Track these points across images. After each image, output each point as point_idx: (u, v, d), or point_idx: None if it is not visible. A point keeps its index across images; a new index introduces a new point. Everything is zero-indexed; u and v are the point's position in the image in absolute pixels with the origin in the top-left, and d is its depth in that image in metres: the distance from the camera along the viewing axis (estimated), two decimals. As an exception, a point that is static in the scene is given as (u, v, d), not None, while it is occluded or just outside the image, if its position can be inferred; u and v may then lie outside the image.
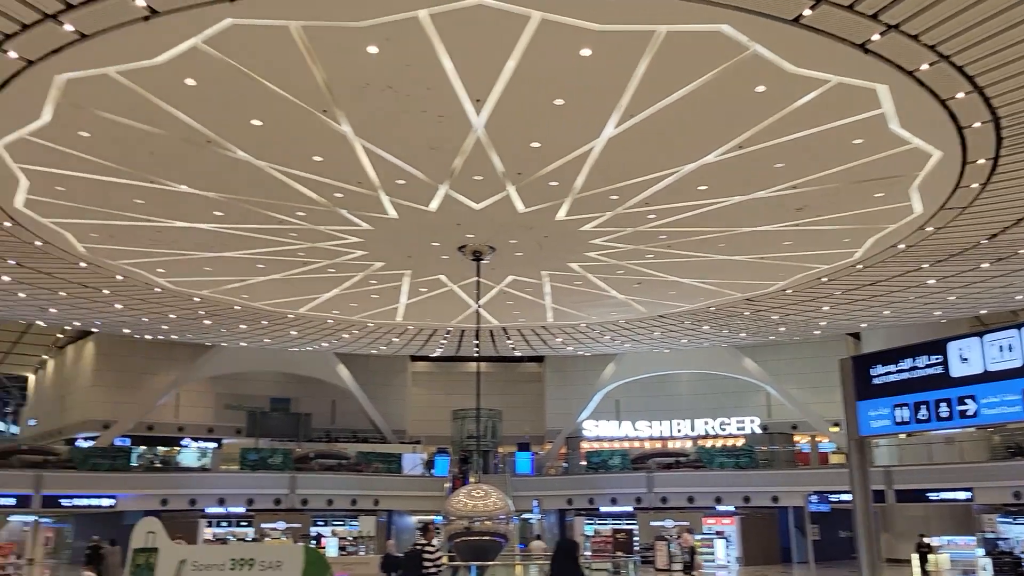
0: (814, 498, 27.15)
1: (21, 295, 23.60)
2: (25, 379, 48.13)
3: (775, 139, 12.74)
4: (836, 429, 32.61)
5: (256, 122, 12.10)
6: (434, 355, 36.78)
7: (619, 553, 27.84)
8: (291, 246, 18.70)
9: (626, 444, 37.43)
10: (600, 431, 38.64)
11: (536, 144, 12.95)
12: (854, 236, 18.08)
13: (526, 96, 11.32)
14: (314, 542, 27.64)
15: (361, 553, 30.28)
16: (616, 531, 31.87)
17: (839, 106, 11.65)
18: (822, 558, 28.07)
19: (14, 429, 52.58)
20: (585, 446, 37.87)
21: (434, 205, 15.70)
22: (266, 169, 13.89)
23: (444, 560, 12.82)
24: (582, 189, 14.89)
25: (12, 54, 10.08)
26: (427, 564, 12.13)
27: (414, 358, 40.85)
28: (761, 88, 11.08)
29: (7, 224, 16.90)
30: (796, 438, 36.38)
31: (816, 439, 35.37)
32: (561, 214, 16.36)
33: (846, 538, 26.72)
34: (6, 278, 21.53)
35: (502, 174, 14.15)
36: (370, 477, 33.39)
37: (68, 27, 9.48)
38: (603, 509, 33.16)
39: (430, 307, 25.28)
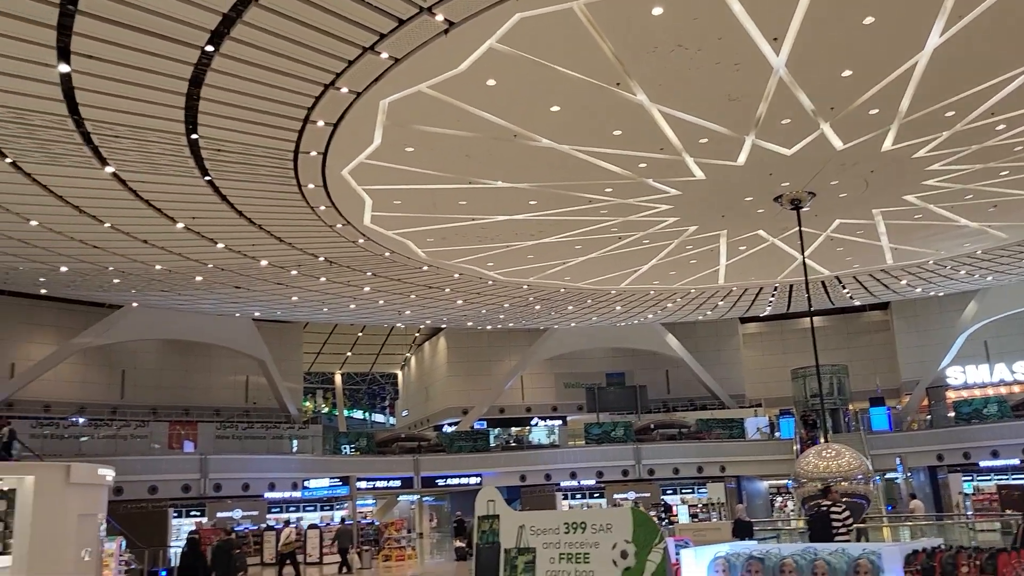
0: None
1: (380, 302, 26.94)
2: (395, 376, 54.92)
3: None
4: None
5: (555, 108, 12.47)
6: (764, 314, 35.50)
7: (1009, 511, 24.64)
8: (604, 223, 19.07)
9: (1002, 390, 33.32)
10: (968, 377, 34.74)
11: (847, 72, 11.83)
12: None
13: (829, 22, 10.36)
14: (664, 511, 28.06)
15: (713, 519, 30.18)
16: (1002, 487, 28.31)
17: None
18: None
19: (391, 420, 60.25)
20: (952, 395, 34.33)
21: (742, 158, 15.04)
22: (570, 152, 14.28)
23: (852, 521, 11.90)
24: (909, 112, 13.35)
25: (344, 90, 11.41)
26: (836, 525, 11.40)
27: (743, 320, 39.75)
28: None
29: (360, 241, 19.29)
30: None
31: None
32: (887, 144, 14.81)
33: None
34: (367, 288, 24.67)
35: (812, 112, 13.13)
36: (713, 444, 33.38)
37: (383, 55, 10.49)
38: (983, 464, 29.81)
39: (752, 265, 24.35)
